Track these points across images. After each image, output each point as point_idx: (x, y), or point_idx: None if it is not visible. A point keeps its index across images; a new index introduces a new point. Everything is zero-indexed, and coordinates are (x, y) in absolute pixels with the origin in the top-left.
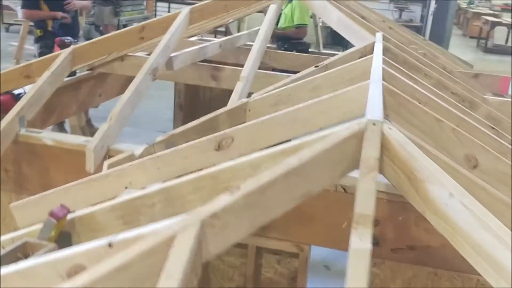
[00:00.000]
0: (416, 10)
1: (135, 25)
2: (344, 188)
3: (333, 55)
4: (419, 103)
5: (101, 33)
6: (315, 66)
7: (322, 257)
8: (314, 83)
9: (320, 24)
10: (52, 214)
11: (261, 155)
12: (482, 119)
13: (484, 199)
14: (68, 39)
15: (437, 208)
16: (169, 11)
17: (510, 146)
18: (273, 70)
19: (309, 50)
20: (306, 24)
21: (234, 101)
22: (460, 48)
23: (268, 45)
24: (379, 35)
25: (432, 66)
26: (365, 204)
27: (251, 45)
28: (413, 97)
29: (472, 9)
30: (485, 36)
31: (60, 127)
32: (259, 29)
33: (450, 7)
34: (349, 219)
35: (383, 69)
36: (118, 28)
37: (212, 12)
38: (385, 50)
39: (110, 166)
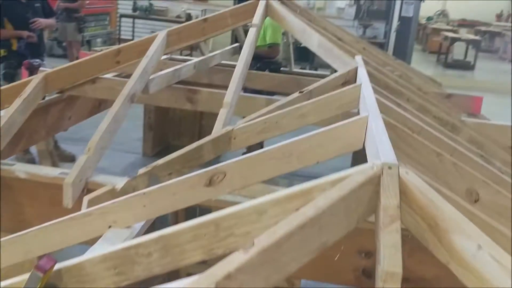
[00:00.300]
0: (379, 27)
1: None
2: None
3: (307, 74)
4: (413, 132)
5: (64, 49)
6: (300, 92)
7: None
8: (301, 111)
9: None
10: (38, 267)
11: (266, 200)
12: (467, 145)
13: (488, 234)
14: (37, 61)
15: (464, 260)
16: (133, 26)
17: (508, 179)
18: (245, 90)
19: (281, 68)
20: (279, 43)
21: (218, 129)
22: (421, 63)
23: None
24: (358, 59)
25: (410, 88)
26: (391, 260)
27: (225, 64)
28: (407, 127)
29: (431, 25)
30: (445, 51)
31: (26, 152)
32: (232, 48)
33: (412, 24)
34: (341, 252)
35: (376, 99)
36: (82, 45)
37: (189, 35)
38: (369, 76)
39: (91, 202)
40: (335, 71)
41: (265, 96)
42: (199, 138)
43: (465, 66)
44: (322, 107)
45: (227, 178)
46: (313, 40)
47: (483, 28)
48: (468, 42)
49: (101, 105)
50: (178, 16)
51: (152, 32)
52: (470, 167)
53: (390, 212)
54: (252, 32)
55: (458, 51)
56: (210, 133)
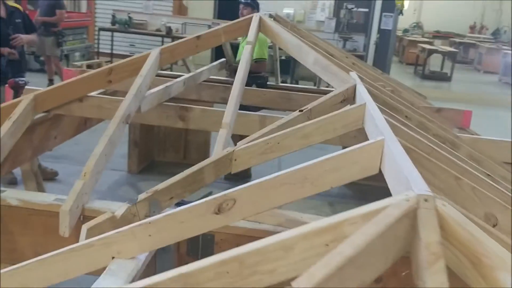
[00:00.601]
0: (359, 40)
1: (103, 67)
2: None
3: (295, 89)
4: (426, 154)
5: (41, 64)
6: (300, 110)
7: None
8: (304, 131)
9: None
10: None
11: (293, 234)
12: (473, 164)
13: None
14: (22, 80)
15: None
16: (112, 40)
17: None
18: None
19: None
20: (265, 59)
21: (218, 151)
22: (399, 75)
23: (224, 78)
24: (354, 75)
25: (405, 105)
26: None
27: (213, 80)
28: (418, 149)
29: (408, 37)
30: (421, 63)
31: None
32: (218, 63)
33: (391, 36)
34: None
35: (386, 120)
36: (60, 59)
37: (182, 52)
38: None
39: (90, 230)
40: (316, 84)
41: (258, 113)
42: (185, 153)
43: (442, 77)
44: (326, 127)
45: (237, 206)
46: (309, 57)
47: (457, 40)
48: (445, 53)
49: (86, 123)
50: (158, 30)
51: (131, 45)
52: (485, 189)
53: (433, 249)
54: (247, 49)
55: (434, 63)
56: (195, 148)
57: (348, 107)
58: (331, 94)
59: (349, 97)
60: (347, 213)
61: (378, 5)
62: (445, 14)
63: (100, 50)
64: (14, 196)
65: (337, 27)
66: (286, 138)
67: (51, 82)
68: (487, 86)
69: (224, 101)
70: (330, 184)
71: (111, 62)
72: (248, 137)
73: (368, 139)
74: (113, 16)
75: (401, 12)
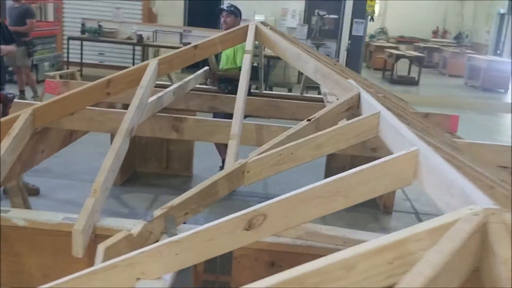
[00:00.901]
0: (331, 46)
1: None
2: None
3: (282, 96)
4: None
5: (10, 74)
6: (307, 120)
7: None
8: (317, 141)
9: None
10: None
11: (354, 253)
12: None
13: None
14: (11, 93)
15: None
16: (81, 49)
17: None
18: (216, 115)
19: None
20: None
21: (230, 163)
22: (368, 80)
23: (205, 86)
24: (353, 83)
25: (404, 111)
26: None
27: (199, 89)
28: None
29: (374, 42)
30: (389, 68)
31: None
32: (203, 71)
33: (361, 42)
34: None
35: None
36: (31, 69)
37: (180, 62)
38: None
39: (108, 250)
40: (290, 90)
41: (253, 122)
42: (167, 163)
43: (410, 81)
44: (338, 137)
45: (267, 221)
46: (309, 65)
47: (421, 45)
48: (412, 58)
49: (72, 135)
50: (128, 38)
51: (101, 54)
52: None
53: None
54: (247, 58)
55: (401, 67)
56: (178, 158)
57: (361, 116)
58: (336, 102)
59: (354, 105)
60: (410, 229)
61: (348, 11)
62: (408, 19)
63: (70, 59)
64: (20, 216)
65: (309, 33)
66: (299, 149)
67: (22, 93)
68: (454, 89)
69: (212, 110)
70: (362, 196)
71: (81, 71)
72: (258, 149)
73: (386, 148)
74: (83, 24)
75: (372, 18)
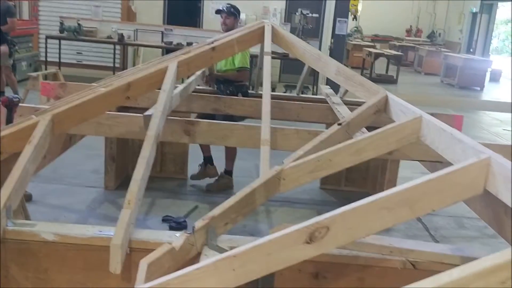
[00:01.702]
0: (314, 45)
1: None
2: (413, 264)
3: (285, 97)
4: None
5: None
6: (338, 124)
7: None
8: (356, 146)
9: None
10: None
11: (465, 273)
12: None
13: None
14: (16, 97)
15: None
16: (59, 48)
17: None
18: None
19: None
20: (247, 67)
21: (265, 170)
22: None
23: (200, 87)
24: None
25: None
26: None
27: (199, 90)
28: None
29: (351, 41)
30: (367, 66)
31: None
32: (202, 72)
33: (344, 41)
34: None
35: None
36: (12, 69)
37: (198, 65)
38: None
39: (151, 266)
40: (273, 90)
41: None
42: (161, 167)
43: (388, 80)
44: (379, 142)
45: (330, 233)
46: (330, 67)
47: (397, 43)
48: (390, 57)
49: (71, 139)
50: (109, 37)
51: (78, 53)
52: None
53: None
54: (267, 60)
55: (378, 66)
56: (172, 161)
57: (402, 120)
58: (364, 106)
59: (381, 108)
60: None
61: (330, 10)
62: (382, 18)
63: (48, 59)
64: (49, 230)
65: (292, 32)
66: (338, 154)
67: (2, 94)
68: (432, 87)
69: (216, 112)
70: (431, 207)
71: (59, 70)
72: (293, 155)
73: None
74: (61, 23)
75: (355, 17)
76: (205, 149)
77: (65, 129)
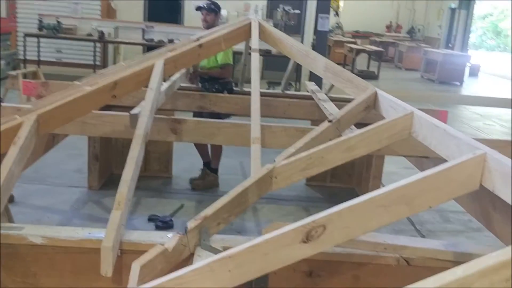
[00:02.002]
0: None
1: (103, 81)
2: (407, 261)
3: (270, 94)
4: None
5: None
6: (328, 121)
7: None
8: (348, 144)
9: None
10: None
11: (470, 272)
12: None
13: None
14: None
15: None
16: (38, 46)
17: None
18: (201, 114)
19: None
20: (230, 63)
21: (257, 168)
22: None
23: (184, 85)
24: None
25: None
26: None
27: (184, 88)
28: None
29: (332, 37)
30: (349, 62)
31: None
32: (186, 70)
33: (326, 37)
34: None
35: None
36: None
37: (185, 62)
38: None
39: (144, 268)
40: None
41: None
42: (145, 165)
43: (370, 76)
44: (371, 139)
45: (327, 232)
46: (318, 64)
47: (377, 39)
48: (371, 53)
49: (54, 139)
50: (89, 34)
51: (58, 51)
52: None
53: None
54: (255, 57)
55: (360, 62)
56: (157, 159)
57: (394, 116)
58: (354, 102)
59: (371, 104)
60: None
61: (311, 6)
62: (362, 14)
63: (27, 57)
64: (36, 233)
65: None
66: (330, 152)
67: None
68: (412, 82)
69: (201, 109)
70: (428, 204)
71: (39, 69)
72: (284, 152)
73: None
74: (40, 21)
75: (337, 13)
76: (203, 154)
77: (50, 129)
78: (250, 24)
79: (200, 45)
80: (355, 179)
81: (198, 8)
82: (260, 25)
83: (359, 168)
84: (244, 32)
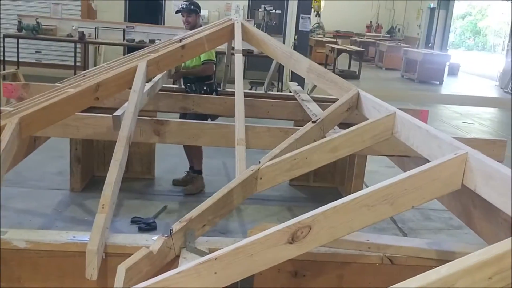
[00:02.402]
0: (280, 41)
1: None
2: (390, 260)
3: (253, 95)
4: None
5: None
6: (312, 122)
7: None
8: (332, 144)
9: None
10: None
11: (453, 270)
12: None
13: None
14: None
15: None
16: (17, 47)
17: None
18: (187, 115)
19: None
20: (213, 60)
21: (242, 169)
22: None
23: (167, 85)
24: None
25: None
26: None
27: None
28: None
29: (314, 37)
30: (330, 62)
31: None
32: (170, 70)
33: (308, 37)
34: None
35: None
36: None
37: (168, 63)
38: None
39: (129, 271)
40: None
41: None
42: (127, 166)
43: (351, 75)
44: (354, 139)
45: (312, 233)
46: (302, 65)
47: (357, 39)
48: (352, 53)
49: (36, 141)
50: (69, 35)
51: (37, 52)
52: None
53: None
54: (239, 58)
55: (340, 62)
56: (139, 160)
57: (377, 117)
58: (338, 103)
59: (353, 105)
60: (507, 243)
61: (292, 6)
62: (342, 14)
63: (6, 59)
64: (20, 237)
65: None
66: (314, 152)
67: None
68: (393, 82)
69: (184, 111)
70: (411, 204)
71: (18, 70)
72: (269, 154)
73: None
74: (19, 21)
75: (318, 14)
76: (194, 158)
77: (33, 132)
78: (232, 25)
79: (183, 46)
80: (338, 178)
81: (178, 11)
82: (243, 26)
83: (341, 167)
84: (227, 33)
